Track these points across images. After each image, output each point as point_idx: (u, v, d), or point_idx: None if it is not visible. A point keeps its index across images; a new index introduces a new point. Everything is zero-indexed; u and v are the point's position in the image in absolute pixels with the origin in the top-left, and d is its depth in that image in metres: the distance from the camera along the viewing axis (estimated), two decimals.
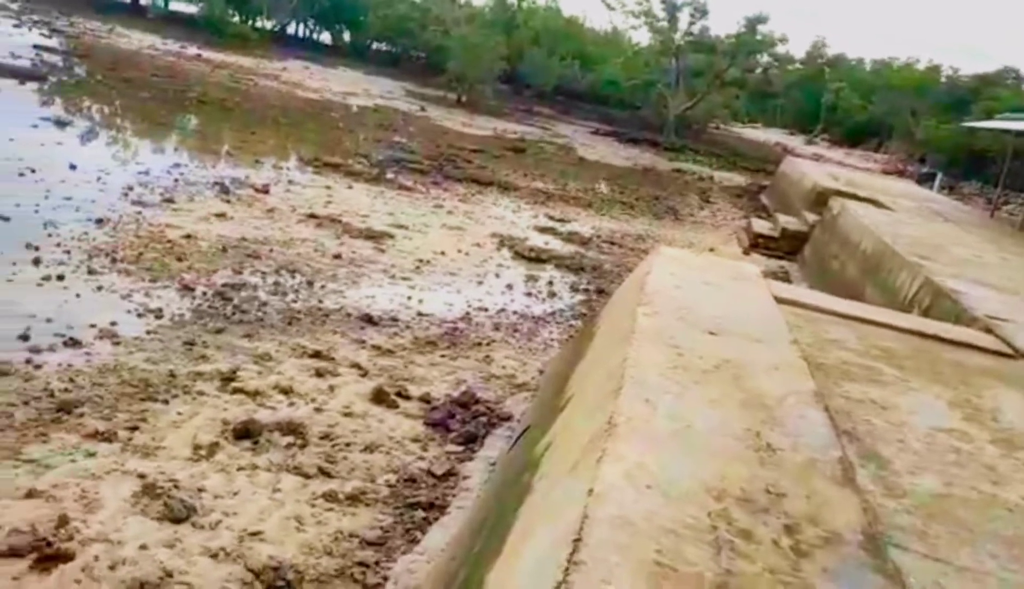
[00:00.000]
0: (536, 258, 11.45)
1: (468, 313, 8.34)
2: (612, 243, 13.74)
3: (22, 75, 18.08)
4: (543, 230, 13.66)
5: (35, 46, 23.86)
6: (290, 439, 4.97)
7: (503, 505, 3.35)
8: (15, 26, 28.46)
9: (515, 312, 8.74)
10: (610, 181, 22.17)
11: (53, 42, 26.07)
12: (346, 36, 52.65)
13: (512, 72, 40.44)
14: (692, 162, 30.71)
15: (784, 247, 14.64)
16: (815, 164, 23.60)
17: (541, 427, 4.10)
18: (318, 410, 5.44)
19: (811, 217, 14.82)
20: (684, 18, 37.14)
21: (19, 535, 3.58)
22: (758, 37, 36.61)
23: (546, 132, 31.56)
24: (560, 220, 14.81)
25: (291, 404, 5.47)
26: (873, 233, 10.40)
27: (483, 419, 5.81)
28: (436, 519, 4.41)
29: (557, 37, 44.44)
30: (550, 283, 10.34)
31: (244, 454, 4.72)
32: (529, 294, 9.67)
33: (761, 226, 15.63)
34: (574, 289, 10.31)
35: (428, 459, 5.10)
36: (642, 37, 43.13)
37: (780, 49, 38.21)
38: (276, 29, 48.17)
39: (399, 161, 17.16)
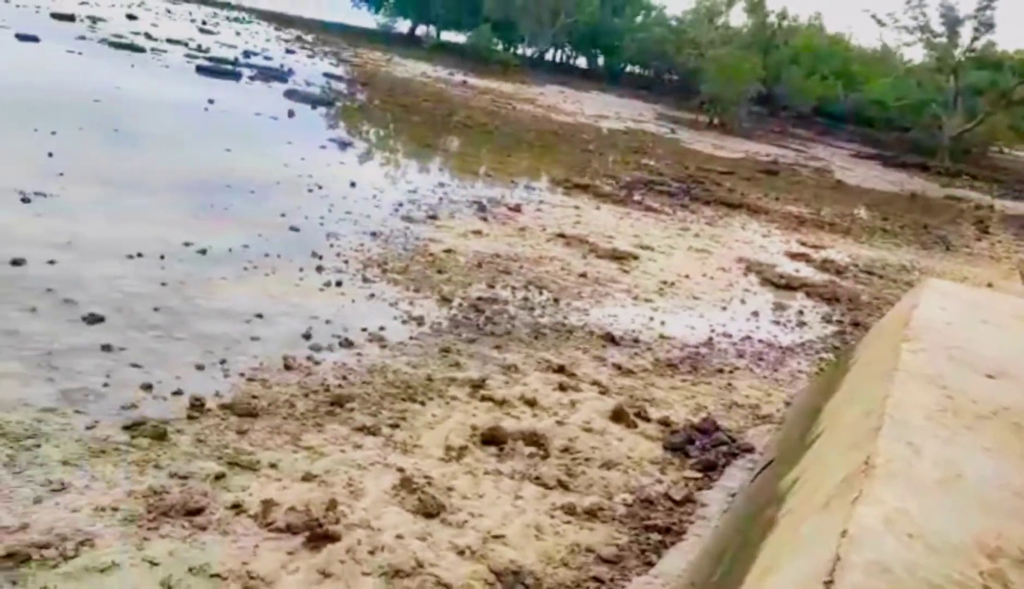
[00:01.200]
0: (785, 285, 10.99)
1: (711, 338, 8.18)
2: (871, 273, 12.86)
3: (313, 101, 20.34)
4: (794, 256, 13.10)
5: (325, 74, 26.77)
6: (532, 449, 5.15)
7: (745, 537, 3.26)
8: (309, 57, 32.09)
9: (761, 340, 8.45)
10: (871, 207, 20.78)
11: (340, 71, 29.06)
12: (601, 61, 53.74)
13: (768, 93, 39.16)
14: (968, 188, 27.96)
15: None
16: None
17: (787, 461, 3.93)
18: (559, 423, 5.58)
19: None
20: (966, 33, 33.92)
21: (296, 514, 3.98)
22: None
23: (801, 154, 30.19)
24: (813, 246, 14.12)
25: (534, 415, 5.66)
26: None
27: (723, 448, 5.66)
28: (672, 544, 4.36)
29: (819, 56, 42.47)
30: (800, 312, 9.87)
31: (490, 459, 4.96)
32: (777, 322, 9.30)
33: None
34: (826, 320, 9.77)
35: (666, 483, 5.06)
36: (915, 54, 39.97)
37: None
38: (535, 56, 50.23)
39: (647, 183, 17.22)
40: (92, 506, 3.74)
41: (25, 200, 8.01)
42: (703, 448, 5.61)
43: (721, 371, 7.30)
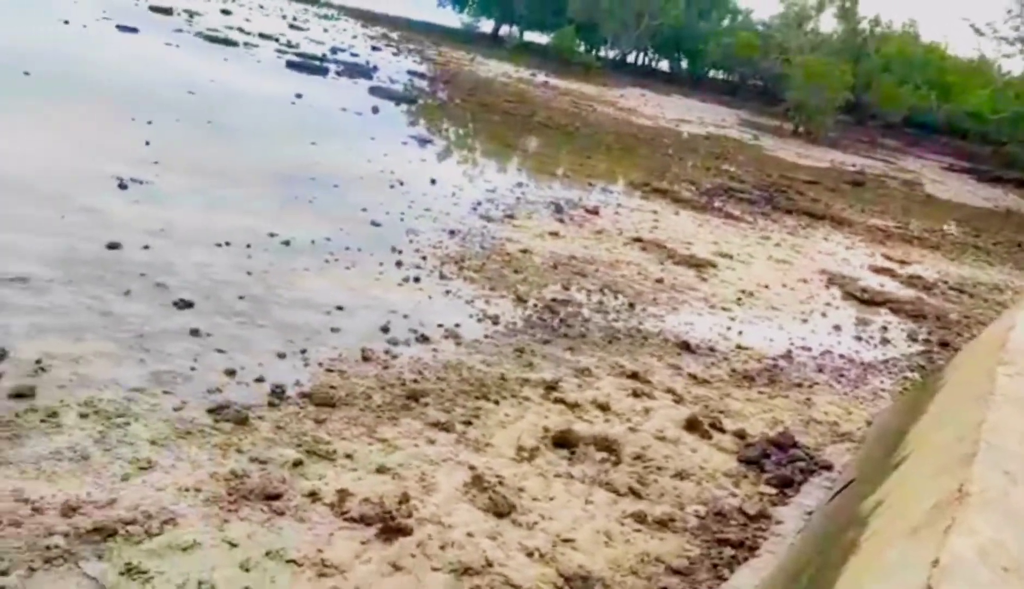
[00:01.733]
0: (869, 300, 10.67)
1: (790, 351, 7.99)
2: (961, 291, 12.38)
3: (397, 98, 20.66)
4: (879, 271, 12.71)
5: (409, 72, 27.16)
6: (604, 454, 5.11)
7: (824, 559, 3.17)
8: (394, 55, 32.62)
9: (842, 355, 8.22)
10: (962, 222, 20.02)
11: (423, 69, 29.44)
12: (683, 64, 53.12)
13: (856, 101, 38.07)
14: None
15: None
16: None
17: (870, 482, 3.81)
18: (632, 430, 5.53)
19: None
20: None
21: (369, 505, 4.03)
22: None
23: (890, 166, 29.27)
24: (900, 261, 13.68)
25: (607, 421, 5.62)
26: None
27: (800, 464, 5.52)
28: (745, 559, 4.27)
29: (912, 65, 41.07)
30: (884, 329, 9.57)
31: (561, 462, 4.94)
32: (859, 338, 9.03)
33: None
34: (912, 338, 9.44)
35: (740, 497, 4.96)
36: (1015, 66, 38.39)
37: None
38: (617, 58, 49.94)
39: (727, 190, 16.94)
40: (177, 486, 3.86)
41: (123, 186, 8.34)
42: (779, 463, 5.48)
43: (800, 385, 7.13)
